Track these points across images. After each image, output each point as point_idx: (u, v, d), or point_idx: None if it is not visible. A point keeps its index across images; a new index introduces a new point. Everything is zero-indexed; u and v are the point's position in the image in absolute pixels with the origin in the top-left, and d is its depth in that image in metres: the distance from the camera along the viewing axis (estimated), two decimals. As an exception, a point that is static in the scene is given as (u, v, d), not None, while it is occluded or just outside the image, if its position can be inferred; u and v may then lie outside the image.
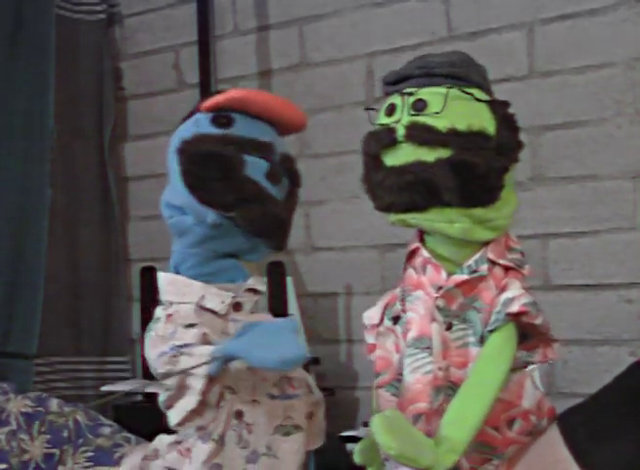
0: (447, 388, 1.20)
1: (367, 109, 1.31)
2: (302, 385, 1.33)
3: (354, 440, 2.05)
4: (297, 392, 1.32)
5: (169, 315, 1.28)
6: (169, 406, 1.27)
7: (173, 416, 1.26)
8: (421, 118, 1.20)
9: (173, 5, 2.79)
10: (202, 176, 1.26)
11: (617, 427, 1.17)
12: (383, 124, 1.25)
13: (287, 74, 2.57)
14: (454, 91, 1.21)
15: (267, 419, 1.28)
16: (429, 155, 1.19)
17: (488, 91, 1.27)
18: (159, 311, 1.31)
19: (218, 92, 1.34)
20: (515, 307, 1.18)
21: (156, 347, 1.27)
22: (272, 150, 1.30)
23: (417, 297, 1.25)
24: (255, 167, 1.27)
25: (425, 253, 1.26)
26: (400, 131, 1.21)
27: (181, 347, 1.24)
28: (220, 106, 1.30)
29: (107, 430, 1.88)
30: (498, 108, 1.24)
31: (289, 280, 2.25)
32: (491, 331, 1.18)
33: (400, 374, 1.24)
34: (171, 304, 1.30)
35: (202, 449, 1.26)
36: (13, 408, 1.82)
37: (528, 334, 1.22)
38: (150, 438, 1.36)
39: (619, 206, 2.09)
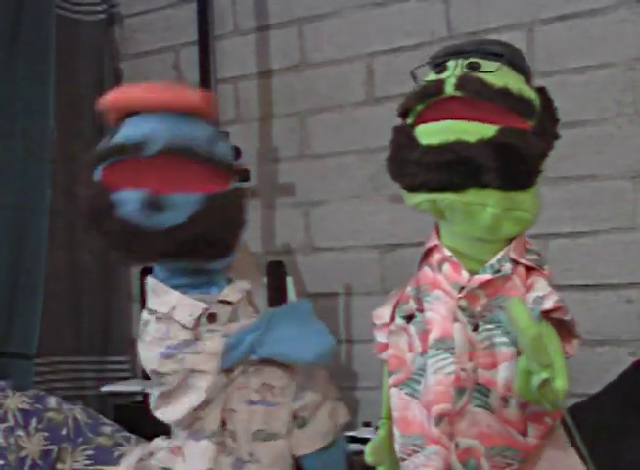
0: (475, 390, 1.19)
1: (415, 68, 1.27)
2: (286, 393, 1.33)
3: (354, 440, 2.04)
4: (277, 400, 1.32)
5: (159, 318, 1.30)
6: (166, 404, 1.27)
7: (172, 413, 1.27)
8: (475, 73, 1.20)
9: (173, 5, 2.79)
10: (86, 226, 1.30)
11: (622, 427, 1.17)
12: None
13: (287, 74, 2.57)
14: (507, 67, 1.22)
15: (246, 426, 1.29)
16: (470, 134, 1.17)
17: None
18: (145, 315, 1.32)
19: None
20: (549, 304, 1.17)
21: (151, 350, 1.28)
22: (140, 148, 1.24)
23: (436, 296, 1.22)
24: (127, 204, 1.23)
25: (445, 250, 1.24)
26: (451, 82, 1.19)
27: (181, 345, 1.25)
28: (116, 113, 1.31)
29: (107, 429, 1.88)
30: (544, 95, 1.25)
31: (289, 280, 2.25)
32: None
33: (415, 373, 1.23)
34: (153, 311, 1.32)
35: (196, 447, 1.26)
36: (10, 405, 1.82)
37: None
38: (150, 437, 1.36)
39: (619, 206, 2.09)
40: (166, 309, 1.30)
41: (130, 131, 1.25)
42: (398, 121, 1.27)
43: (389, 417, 1.30)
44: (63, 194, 2.70)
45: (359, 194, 2.41)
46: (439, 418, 1.18)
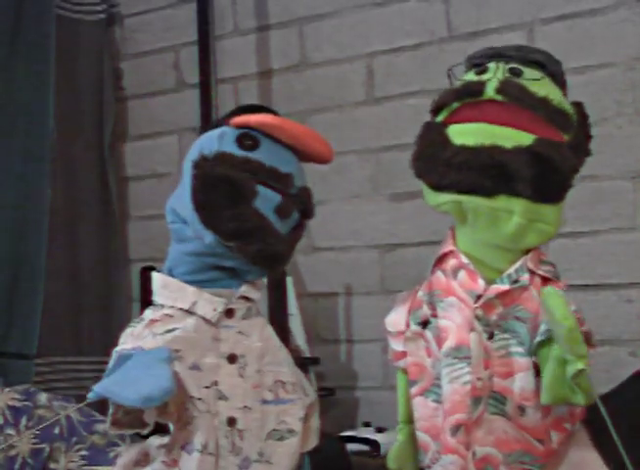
0: (491, 398, 1.18)
1: (453, 66, 1.26)
2: (297, 389, 1.33)
3: (354, 440, 2.05)
4: (290, 396, 1.31)
5: (153, 321, 1.28)
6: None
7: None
8: (517, 79, 1.19)
9: (173, 5, 2.79)
10: (209, 199, 1.23)
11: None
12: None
13: (287, 74, 2.57)
14: (548, 78, 1.22)
15: (260, 425, 1.28)
16: (507, 140, 1.15)
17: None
18: (147, 313, 1.31)
19: (248, 109, 1.32)
20: None
21: (122, 343, 1.27)
22: (290, 182, 1.29)
23: (450, 303, 1.21)
24: (266, 200, 1.25)
25: (462, 257, 1.22)
26: (492, 85, 1.18)
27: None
28: (249, 125, 1.28)
29: (101, 426, 1.86)
30: (581, 110, 1.24)
31: (289, 280, 2.25)
32: (543, 341, 1.15)
33: (437, 378, 1.21)
34: (163, 306, 1.30)
35: (188, 461, 1.25)
36: (0, 402, 1.81)
37: None
38: (146, 436, 1.35)
39: (619, 206, 2.09)
40: (187, 305, 1.28)
41: (279, 160, 1.28)
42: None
43: (409, 422, 1.29)
44: (63, 194, 2.70)
45: (359, 194, 2.41)
46: (456, 428, 1.17)
